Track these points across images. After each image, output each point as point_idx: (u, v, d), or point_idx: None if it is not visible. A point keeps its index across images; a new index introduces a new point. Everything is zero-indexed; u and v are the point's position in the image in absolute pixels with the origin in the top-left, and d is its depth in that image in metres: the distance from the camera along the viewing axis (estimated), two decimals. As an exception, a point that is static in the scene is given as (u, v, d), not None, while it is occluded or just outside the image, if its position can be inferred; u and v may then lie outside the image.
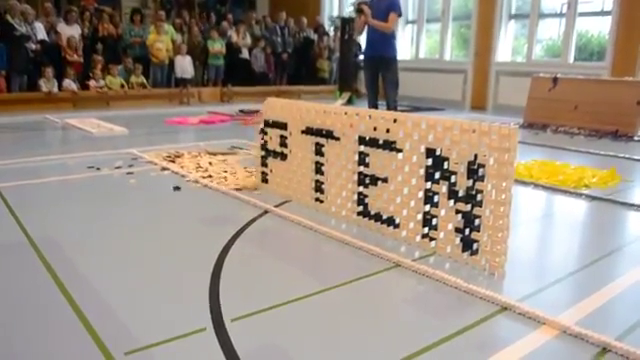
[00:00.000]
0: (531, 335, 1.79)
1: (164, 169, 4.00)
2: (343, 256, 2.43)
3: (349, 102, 9.79)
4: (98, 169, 4.00)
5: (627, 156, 5.23)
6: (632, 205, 3.42)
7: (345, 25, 10.56)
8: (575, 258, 2.56)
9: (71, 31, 8.63)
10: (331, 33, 12.05)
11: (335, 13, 12.73)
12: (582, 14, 8.90)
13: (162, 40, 9.35)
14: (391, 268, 2.30)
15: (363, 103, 10.00)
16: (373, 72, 5.54)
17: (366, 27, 5.41)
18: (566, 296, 2.13)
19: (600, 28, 8.96)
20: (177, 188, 3.43)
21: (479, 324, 1.86)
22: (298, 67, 11.48)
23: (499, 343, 1.76)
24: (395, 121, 2.59)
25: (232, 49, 10.24)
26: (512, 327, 1.85)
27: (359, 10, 5.28)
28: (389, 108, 5.39)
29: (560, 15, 9.15)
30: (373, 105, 5.51)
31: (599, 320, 1.91)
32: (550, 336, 1.78)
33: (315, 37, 11.77)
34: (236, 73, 10.35)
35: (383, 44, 5.39)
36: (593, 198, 3.58)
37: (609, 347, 1.71)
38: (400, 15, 5.49)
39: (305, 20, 11.81)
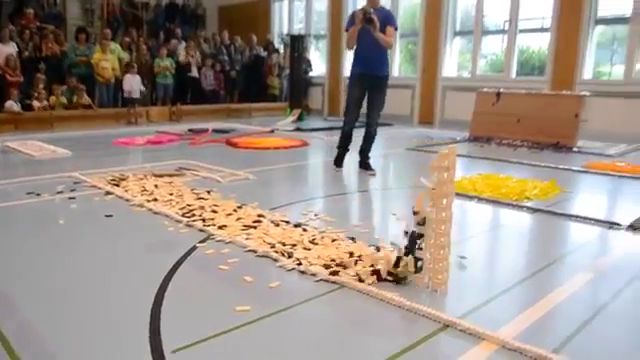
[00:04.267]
0: (471, 352, 1.82)
1: (108, 193, 3.90)
2: (288, 279, 2.42)
3: (299, 119, 9.83)
4: (38, 195, 3.87)
5: (567, 167, 5.42)
6: (570, 216, 3.54)
7: (294, 42, 10.64)
8: (516, 271, 2.62)
9: (7, 49, 8.38)
10: (281, 50, 12.11)
11: (285, 30, 12.80)
12: (523, 31, 9.23)
13: (108, 59, 9.18)
14: (336, 289, 2.30)
15: (314, 120, 10.15)
16: (363, 91, 4.82)
17: (358, 40, 4.72)
18: (507, 310, 2.17)
19: (540, 44, 9.31)
20: (109, 216, 3.33)
21: (421, 343, 1.87)
22: (248, 85, 11.47)
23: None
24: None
25: (181, 67, 10.15)
26: (453, 344, 1.87)
27: (369, 20, 4.47)
28: (371, 132, 4.92)
29: (502, 32, 9.46)
30: (350, 128, 4.90)
31: (538, 332, 1.96)
32: (489, 352, 1.81)
33: (265, 54, 11.80)
34: (185, 91, 10.25)
35: (380, 61, 4.78)
36: (534, 210, 3.69)
37: (546, 360, 1.76)
38: (396, 29, 4.97)
39: (255, 38, 11.83)
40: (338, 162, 5.10)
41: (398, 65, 10.95)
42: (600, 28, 8.81)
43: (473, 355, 1.80)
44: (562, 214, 3.58)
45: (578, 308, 2.20)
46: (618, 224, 3.34)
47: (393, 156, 6.22)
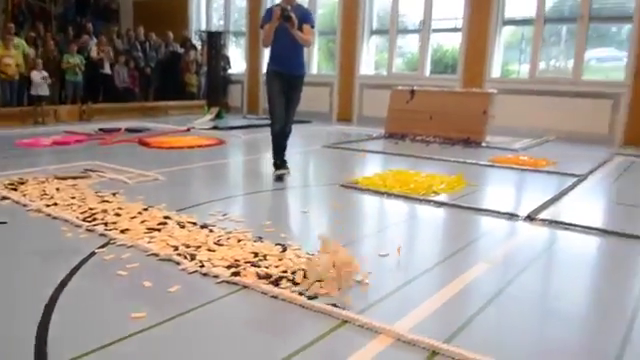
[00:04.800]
0: (368, 346, 1.84)
1: (4, 198, 3.68)
2: (189, 283, 2.37)
3: (218, 117, 9.68)
4: None
5: (474, 162, 5.65)
6: (473, 209, 3.68)
7: (212, 39, 10.46)
8: (418, 264, 2.68)
9: None
10: (198, 47, 11.87)
11: (203, 27, 12.56)
12: (436, 30, 9.54)
13: (12, 55, 8.65)
14: (238, 291, 2.27)
15: (233, 118, 10.03)
16: (282, 87, 4.62)
17: (275, 38, 4.54)
18: (407, 302, 2.22)
19: (453, 43, 9.65)
20: (2, 223, 3.14)
21: (318, 341, 1.88)
22: (165, 82, 11.16)
23: (337, 357, 1.79)
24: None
25: (92, 64, 9.73)
26: (351, 340, 1.89)
27: (287, 18, 4.37)
28: (287, 131, 4.72)
29: (417, 31, 9.72)
30: (280, 126, 4.65)
31: (433, 323, 2.02)
32: (385, 345, 1.85)
33: (182, 51, 11.53)
34: (97, 89, 9.84)
35: (297, 60, 4.68)
36: (440, 204, 3.81)
37: (437, 350, 1.81)
38: (313, 27, 4.77)
39: (171, 34, 11.54)
40: (281, 165, 4.72)
41: (317, 63, 11.02)
42: (510, 29, 9.25)
43: (369, 350, 1.82)
44: (466, 207, 3.73)
45: (475, 296, 2.29)
46: (517, 215, 3.52)
47: (310, 153, 6.25)
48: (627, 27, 7.96)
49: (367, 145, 6.85)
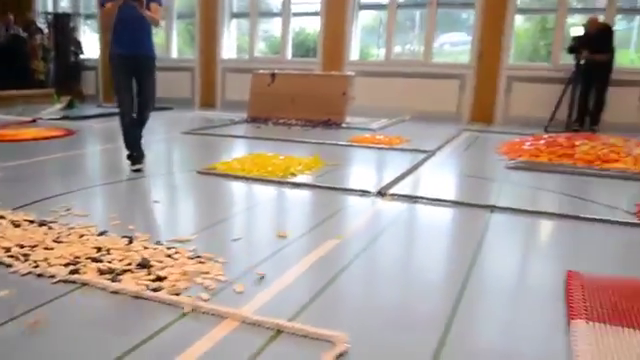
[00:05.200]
0: (212, 332, 1.80)
1: None
2: (21, 285, 2.17)
3: (69, 107, 9.03)
4: None
5: (334, 142, 5.79)
6: (328, 187, 3.77)
7: (59, 22, 9.70)
8: (269, 245, 2.68)
9: None
10: (45, 30, 10.95)
11: (50, 8, 11.60)
12: (296, 14, 9.60)
13: None
14: (76, 289, 2.12)
15: (87, 107, 9.40)
16: (130, 74, 4.30)
17: (119, 18, 4.16)
18: (255, 284, 2.20)
19: (315, 27, 9.78)
20: None
21: (161, 332, 1.81)
22: (8, 69, 10.17)
23: (179, 346, 1.73)
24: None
25: None
26: (194, 328, 1.84)
27: None
28: (144, 119, 4.41)
29: (278, 14, 9.72)
30: (131, 118, 4.33)
31: (281, 302, 2.02)
32: (229, 330, 1.82)
33: (26, 35, 10.57)
34: None
35: (147, 42, 4.32)
36: (297, 185, 3.85)
37: (282, 329, 1.82)
38: (161, 5, 4.43)
39: (12, 16, 10.52)
40: (137, 159, 4.37)
41: (177, 47, 10.65)
42: (371, 13, 9.56)
43: (213, 335, 1.78)
44: (321, 186, 3.80)
45: (324, 272, 2.33)
46: (369, 191, 3.65)
47: (168, 141, 6.04)
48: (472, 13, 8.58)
49: (229, 130, 6.76)
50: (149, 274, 2.24)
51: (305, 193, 3.72)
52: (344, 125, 7.20)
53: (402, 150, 5.42)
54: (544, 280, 2.33)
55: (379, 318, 1.95)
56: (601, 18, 7.76)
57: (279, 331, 1.81)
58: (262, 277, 2.24)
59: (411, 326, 1.88)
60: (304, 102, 7.43)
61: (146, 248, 2.50)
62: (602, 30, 7.50)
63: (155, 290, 2.09)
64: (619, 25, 8.41)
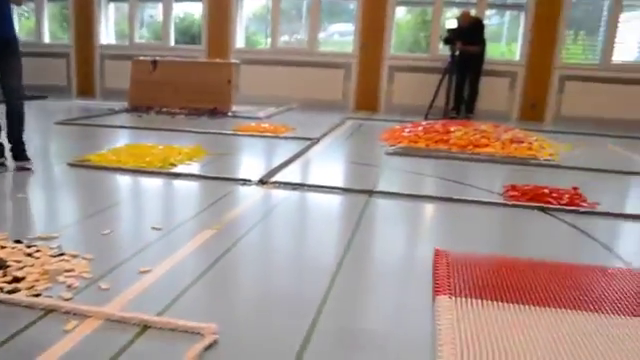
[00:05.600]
0: (74, 331, 1.70)
1: None
2: None
3: None
4: None
5: (219, 131, 5.69)
6: (208, 177, 3.70)
7: None
8: (142, 238, 2.57)
9: None
10: None
11: None
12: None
13: None
14: None
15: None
16: None
17: None
18: (124, 279, 2.10)
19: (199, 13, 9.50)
20: None
21: (16, 336, 1.67)
22: None
23: (38, 348, 1.61)
24: None
25: None
26: (54, 329, 1.72)
27: None
28: (15, 109, 3.87)
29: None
30: None
31: (151, 297, 1.94)
32: (92, 328, 1.72)
33: None
34: None
35: (7, 21, 3.82)
36: (176, 175, 3.73)
37: (149, 324, 1.74)
38: None
39: None
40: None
41: (49, 31, 9.92)
42: (259, 1, 9.43)
43: (73, 337, 1.68)
44: (201, 176, 3.72)
45: (197, 263, 2.27)
46: (250, 180, 3.62)
47: (39, 132, 5.61)
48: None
49: (108, 120, 6.42)
50: (5, 275, 2.06)
51: (184, 184, 3.61)
52: (230, 114, 7.09)
53: (286, 138, 5.44)
54: (417, 259, 2.43)
55: (251, 305, 1.93)
56: (473, 12, 8.23)
57: (146, 327, 1.74)
58: (141, 272, 2.14)
59: (284, 310, 1.88)
60: (188, 90, 7.22)
61: (3, 247, 2.31)
62: (474, 23, 7.96)
63: (11, 292, 1.93)
64: (492, 20, 8.99)
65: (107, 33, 9.55)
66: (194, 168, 3.95)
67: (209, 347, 1.63)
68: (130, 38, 9.37)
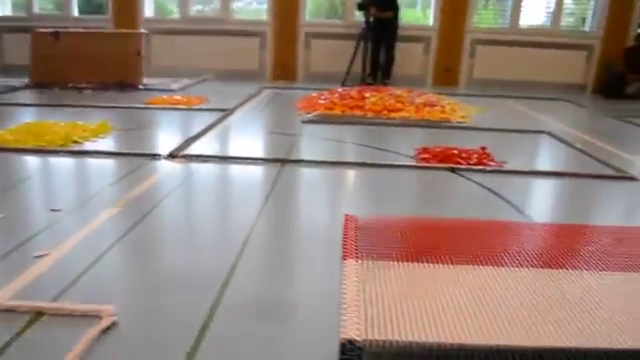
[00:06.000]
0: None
1: None
2: None
3: None
4: None
5: (129, 105, 5.44)
6: (115, 153, 3.53)
7: None
8: (36, 222, 2.42)
9: None
10: None
11: None
12: (79, -35, 8.73)
13: None
14: None
15: None
16: None
17: None
18: (15, 266, 1.97)
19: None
20: None
21: None
22: None
23: None
24: None
25: None
26: None
27: None
28: None
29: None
30: None
31: (45, 283, 1.83)
32: (-25, 321, 1.60)
33: None
34: None
35: None
36: (79, 153, 3.54)
37: (42, 310, 1.64)
38: None
39: None
40: None
41: None
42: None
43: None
44: (107, 152, 3.54)
45: (96, 244, 2.15)
46: (158, 155, 3.48)
47: None
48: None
49: (6, 98, 5.98)
50: None
51: (87, 162, 3.42)
52: (141, 87, 6.80)
53: (200, 110, 5.28)
54: (329, 226, 2.42)
55: (154, 284, 1.86)
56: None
57: (39, 313, 1.63)
58: (36, 257, 2.01)
59: (188, 286, 1.82)
60: (95, 64, 6.83)
61: None
62: (387, -11, 7.98)
63: None
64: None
65: (2, 3, 8.86)
66: (99, 145, 3.76)
67: (107, 329, 1.56)
68: (28, 8, 8.73)
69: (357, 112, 5.27)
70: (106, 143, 3.82)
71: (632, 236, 2.38)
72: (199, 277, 1.89)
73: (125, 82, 6.76)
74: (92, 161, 3.43)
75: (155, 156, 3.46)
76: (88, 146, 3.70)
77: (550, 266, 1.99)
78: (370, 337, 1.44)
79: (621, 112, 6.50)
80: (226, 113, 5.03)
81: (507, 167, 3.53)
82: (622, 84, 8.12)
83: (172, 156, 3.46)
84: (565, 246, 2.21)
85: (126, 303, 1.68)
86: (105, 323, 1.58)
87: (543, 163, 4.06)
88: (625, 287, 1.85)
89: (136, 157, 3.45)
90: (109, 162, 3.41)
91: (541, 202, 3.07)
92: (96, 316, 1.62)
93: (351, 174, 3.31)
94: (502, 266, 1.96)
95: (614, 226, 2.53)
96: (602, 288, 1.83)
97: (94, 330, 1.54)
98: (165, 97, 5.95)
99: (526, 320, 1.58)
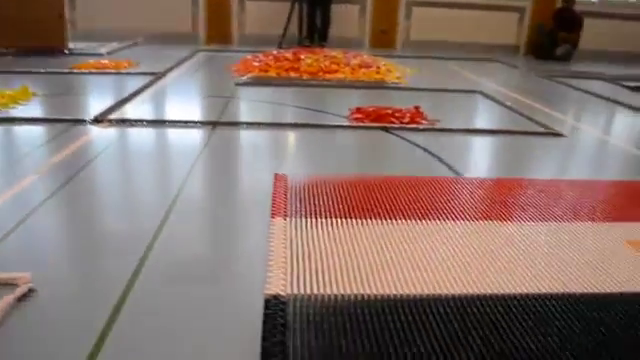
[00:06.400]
0: None
1: None
2: None
3: None
4: None
5: (53, 70, 5.16)
6: (36, 120, 3.35)
7: None
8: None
9: None
10: None
11: None
12: None
13: None
14: None
15: None
16: None
17: None
18: None
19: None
20: None
21: None
22: None
23: None
24: None
25: None
26: None
27: None
28: None
29: None
30: None
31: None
32: None
33: None
34: None
35: None
36: (-3, 120, 3.34)
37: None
38: None
39: None
40: None
41: None
42: None
43: None
44: (27, 119, 3.35)
45: (11, 213, 2.04)
46: (83, 120, 3.33)
47: None
48: None
49: None
50: None
51: (4, 129, 3.23)
52: (66, 52, 6.45)
53: (129, 74, 5.07)
54: (258, 186, 2.39)
55: (74, 249, 1.79)
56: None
57: (-53, 285, 1.54)
58: None
59: (111, 251, 1.76)
60: (13, 27, 6.39)
61: None
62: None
63: None
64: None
65: None
66: (19, 112, 3.55)
67: (24, 297, 1.48)
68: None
69: (292, 74, 5.21)
70: (26, 110, 3.61)
71: (555, 188, 2.48)
72: (122, 241, 1.83)
73: (48, 47, 6.39)
74: (10, 128, 3.24)
75: (79, 121, 3.30)
76: (5, 113, 3.49)
77: (476, 219, 2.04)
78: (295, 292, 1.44)
79: (551, 72, 6.71)
80: (157, 77, 4.86)
81: (439, 125, 3.58)
82: (552, 45, 8.37)
83: (97, 121, 3.32)
84: (491, 199, 2.27)
85: (45, 269, 1.61)
86: (21, 291, 1.50)
87: (475, 121, 4.14)
88: (546, 236, 1.92)
89: (59, 123, 3.28)
90: (30, 129, 3.23)
91: (471, 158, 3.14)
92: (11, 284, 1.54)
93: (283, 135, 3.28)
94: (430, 220, 1.99)
95: (539, 179, 2.62)
96: (524, 238, 1.89)
97: (8, 298, 1.46)
98: (92, 62, 5.68)
99: (450, 270, 1.61)
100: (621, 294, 1.54)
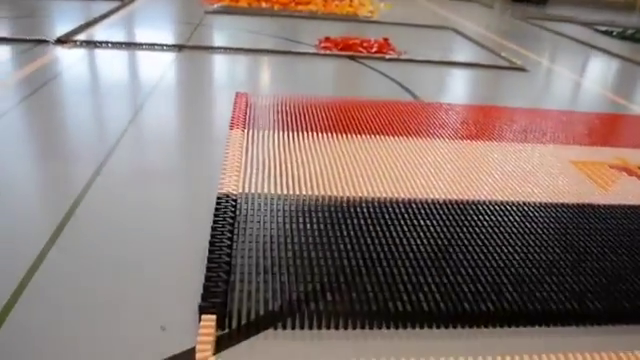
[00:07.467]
0: None
1: None
2: None
3: None
4: None
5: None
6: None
7: None
8: None
9: None
10: None
11: None
12: None
13: None
14: None
15: None
16: None
17: None
18: None
19: None
20: None
21: None
22: None
23: None
24: None
25: None
26: None
27: None
28: None
29: None
30: None
31: None
32: None
33: None
34: None
35: None
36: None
37: None
38: None
39: None
40: None
41: None
42: None
43: None
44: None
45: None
46: (46, 40, 3.27)
47: None
48: None
49: None
50: None
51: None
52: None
53: (97, -1, 4.94)
54: (221, 105, 2.42)
55: (37, 157, 1.82)
56: None
57: None
58: None
59: (71, 159, 1.79)
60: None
61: None
62: None
63: None
64: None
65: None
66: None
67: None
68: None
69: (264, 4, 5.13)
70: (-13, 29, 3.53)
71: (510, 114, 2.57)
72: (85, 148, 1.86)
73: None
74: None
75: (42, 42, 3.25)
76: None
77: (426, 136, 2.11)
78: (246, 192, 1.51)
79: (527, 14, 6.72)
80: (124, 2, 4.74)
81: (406, 57, 3.61)
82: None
83: (62, 42, 3.27)
84: (443, 121, 2.35)
85: (7, 173, 1.64)
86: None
87: (442, 55, 4.17)
88: (494, 154, 2.01)
89: (21, 43, 3.22)
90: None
91: (432, 87, 3.19)
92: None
93: (250, 60, 3.28)
94: (383, 135, 2.06)
95: (498, 106, 2.70)
96: (472, 152, 1.98)
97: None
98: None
99: (393, 179, 1.69)
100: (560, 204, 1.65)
